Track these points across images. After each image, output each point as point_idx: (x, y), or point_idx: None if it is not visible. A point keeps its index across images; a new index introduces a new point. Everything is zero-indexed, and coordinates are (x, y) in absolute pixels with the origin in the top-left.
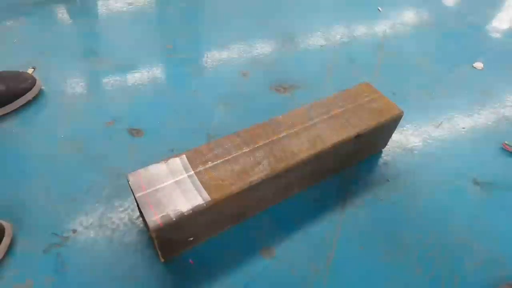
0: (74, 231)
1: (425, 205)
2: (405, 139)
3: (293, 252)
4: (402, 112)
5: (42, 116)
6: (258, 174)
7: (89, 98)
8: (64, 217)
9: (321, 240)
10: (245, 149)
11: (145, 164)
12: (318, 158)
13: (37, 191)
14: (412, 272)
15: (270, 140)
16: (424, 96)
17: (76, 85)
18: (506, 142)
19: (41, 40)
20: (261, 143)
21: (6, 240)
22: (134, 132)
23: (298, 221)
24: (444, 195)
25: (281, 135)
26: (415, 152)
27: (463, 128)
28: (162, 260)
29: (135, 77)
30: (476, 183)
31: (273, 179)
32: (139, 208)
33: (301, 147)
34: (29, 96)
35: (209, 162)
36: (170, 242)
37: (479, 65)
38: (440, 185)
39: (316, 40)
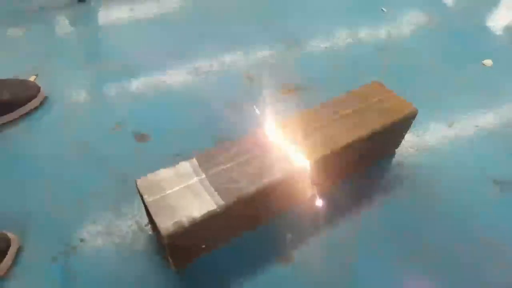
0: (82, 239)
1: (444, 206)
2: (418, 139)
3: (311, 258)
4: (417, 110)
5: (47, 123)
6: (272, 176)
7: (93, 104)
8: (71, 225)
9: (340, 245)
10: (257, 152)
11: (151, 168)
12: (333, 158)
13: (43, 200)
14: (436, 276)
15: (282, 142)
16: (433, 95)
17: (80, 91)
18: None
19: (41, 47)
20: (273, 145)
21: (12, 250)
22: (140, 136)
23: (314, 225)
24: (463, 195)
25: (293, 137)
26: (429, 152)
27: (476, 126)
28: (174, 268)
29: (139, 82)
30: (495, 182)
31: (287, 182)
32: (148, 214)
33: (315, 148)
34: (34, 103)
35: (220, 165)
36: (182, 249)
37: (488, 62)
38: (458, 185)
39: (320, 42)
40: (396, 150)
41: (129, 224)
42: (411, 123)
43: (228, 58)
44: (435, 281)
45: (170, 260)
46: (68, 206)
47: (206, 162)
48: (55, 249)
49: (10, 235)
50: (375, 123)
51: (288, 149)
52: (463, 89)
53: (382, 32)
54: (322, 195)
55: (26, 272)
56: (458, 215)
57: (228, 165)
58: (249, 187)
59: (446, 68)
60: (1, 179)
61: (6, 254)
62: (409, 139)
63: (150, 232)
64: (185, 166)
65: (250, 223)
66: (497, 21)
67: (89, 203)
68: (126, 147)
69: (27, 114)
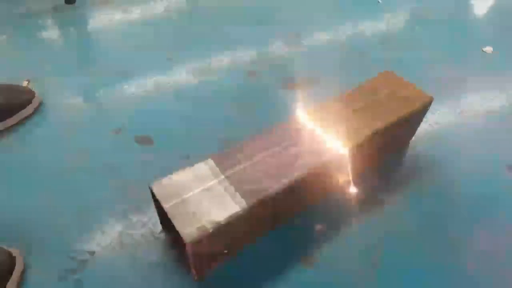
0: (92, 252)
1: (465, 196)
2: (430, 129)
3: (335, 258)
4: (432, 97)
5: (44, 130)
6: (295, 173)
7: (92, 109)
8: (79, 238)
9: (364, 243)
10: (276, 148)
11: (159, 173)
12: (356, 151)
13: (47, 211)
14: (464, 270)
15: (301, 137)
16: (438, 83)
17: (76, 96)
18: None
19: (31, 52)
20: (292, 141)
21: (18, 270)
22: (143, 140)
23: (336, 224)
24: (482, 184)
25: (312, 131)
26: (442, 141)
27: (485, 113)
28: (196, 278)
29: (136, 84)
30: (510, 168)
31: (311, 178)
32: (163, 221)
33: (337, 142)
34: (29, 109)
35: (238, 165)
36: (205, 256)
37: (489, 49)
38: (475, 173)
39: (321, 36)
40: (410, 141)
41: (142, 233)
42: (427, 111)
43: (228, 56)
44: (467, 277)
45: (192, 269)
46: (74, 218)
47: (222, 162)
48: (62, 265)
49: (14, 251)
50: (396, 112)
51: (310, 144)
52: (467, 76)
53: (381, 24)
54: (342, 191)
55: None
56: (480, 205)
57: (246, 164)
58: (271, 187)
59: (448, 56)
60: (0, 192)
61: (12, 274)
62: (421, 130)
63: (166, 241)
64: (201, 167)
65: (272, 223)
66: (495, 6)
67: (96, 213)
68: (130, 152)
69: (22, 121)
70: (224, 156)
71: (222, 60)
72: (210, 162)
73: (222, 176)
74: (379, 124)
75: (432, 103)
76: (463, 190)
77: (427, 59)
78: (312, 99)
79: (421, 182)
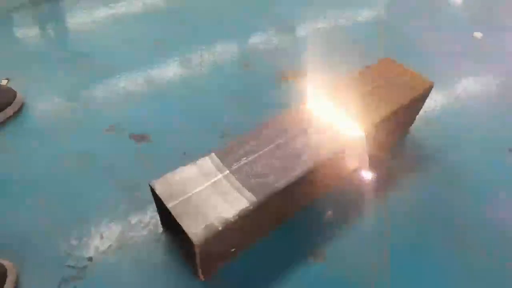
0: (90, 258)
1: (469, 181)
2: (430, 114)
3: (344, 251)
4: (432, 83)
5: (30, 131)
6: (302, 165)
7: (81, 107)
8: (76, 244)
9: (372, 233)
10: (281, 140)
11: (158, 171)
12: (363, 140)
13: (40, 219)
14: (476, 255)
15: (303, 128)
16: (432, 69)
17: (62, 94)
18: None
19: (11, 49)
20: (297, 131)
21: (10, 281)
22: (139, 137)
23: (342, 215)
24: (485, 168)
25: (316, 120)
26: (441, 127)
27: (481, 96)
28: (202, 278)
29: (127, 80)
30: (510, 150)
31: (320, 169)
32: (162, 221)
33: (344, 131)
34: (10, 111)
35: (243, 159)
36: (213, 255)
37: (478, 34)
38: (477, 158)
39: (313, 24)
40: (409, 128)
41: (142, 235)
42: (427, 96)
43: (221, 47)
44: (479, 262)
45: (199, 269)
46: (70, 224)
47: (227, 157)
48: (60, 273)
49: (5, 263)
50: (399, 98)
51: (314, 134)
52: (460, 61)
53: (371, 11)
54: (349, 181)
55: None
56: (485, 189)
57: (252, 158)
58: (280, 180)
59: (440, 41)
60: None
61: (3, 286)
62: (420, 116)
63: (168, 241)
64: (205, 162)
65: (280, 217)
66: None
67: (93, 217)
68: (126, 151)
69: (3, 124)
70: (228, 150)
71: (215, 52)
72: (214, 157)
73: (227, 171)
74: (386, 111)
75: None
76: (467, 177)
77: (419, 44)
78: (309, 89)
79: (424, 171)
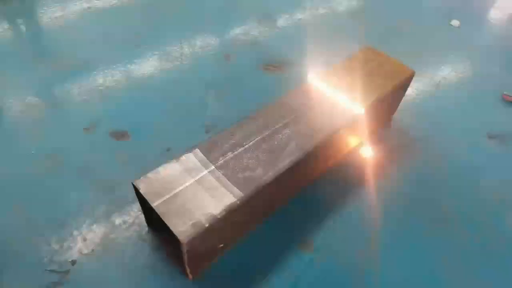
0: (73, 262)
1: (450, 167)
2: (411, 103)
3: (332, 240)
4: (414, 71)
5: (4, 134)
6: (289, 157)
7: (58, 105)
8: (57, 248)
9: (359, 221)
10: (266, 133)
11: (140, 170)
12: (347, 128)
13: (17, 224)
14: (459, 238)
15: (289, 119)
16: (413, 58)
17: (37, 93)
18: (505, 92)
19: None
20: (281, 124)
21: None
22: (119, 135)
23: (328, 205)
24: (465, 153)
25: (299, 113)
26: (423, 115)
27: (461, 84)
28: (190, 277)
29: (104, 76)
30: (490, 137)
31: (305, 159)
32: (148, 220)
33: (325, 121)
34: None
35: (229, 153)
36: (201, 253)
37: (455, 22)
38: (458, 144)
39: (293, 15)
40: (392, 116)
41: (127, 236)
42: (408, 85)
43: (200, 39)
44: (463, 244)
45: (187, 268)
46: (49, 227)
47: (212, 152)
48: (43, 280)
49: None
50: (383, 87)
51: (299, 125)
52: (439, 50)
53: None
54: (331, 173)
55: None
56: (467, 175)
57: (237, 152)
58: (267, 173)
59: (419, 30)
60: None
61: None
62: (402, 104)
63: (154, 241)
64: (189, 158)
65: (268, 210)
66: None
67: (74, 219)
68: (106, 149)
69: None
70: (213, 144)
71: (195, 44)
72: (198, 152)
73: (213, 166)
74: (368, 101)
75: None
76: (449, 161)
77: (399, 33)
78: (291, 81)
79: (407, 158)
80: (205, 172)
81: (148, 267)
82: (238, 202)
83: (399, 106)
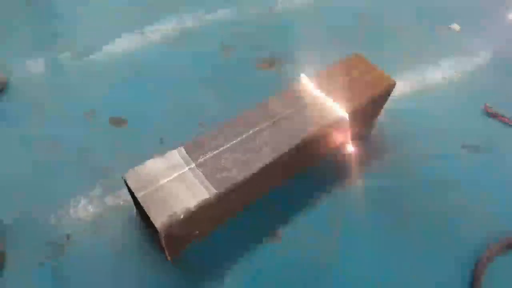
0: (68, 236)
1: (418, 173)
2: (394, 108)
3: (300, 233)
4: (395, 82)
5: (8, 114)
6: (263, 159)
7: (62, 88)
8: (55, 225)
9: (327, 218)
10: (245, 135)
11: (133, 157)
12: (320, 136)
13: (20, 202)
14: (417, 241)
15: (268, 123)
16: (404, 61)
17: (41, 76)
18: (487, 104)
19: None
20: (259, 128)
21: None
22: (117, 122)
23: (301, 201)
24: (437, 161)
25: (277, 117)
26: (404, 119)
27: (447, 91)
28: (169, 258)
29: (105, 60)
30: (464, 146)
31: (277, 162)
32: (136, 206)
33: (301, 127)
34: None
35: (209, 153)
36: (178, 239)
37: (456, 27)
38: (431, 151)
39: (292, 7)
40: (374, 122)
41: (117, 216)
42: (390, 94)
43: (199, 29)
44: (419, 247)
45: (166, 251)
46: (49, 205)
47: (195, 151)
48: (41, 252)
49: None
50: (363, 95)
51: (276, 130)
52: (434, 55)
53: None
54: (308, 172)
55: (13, 280)
56: (435, 182)
57: (217, 152)
58: (241, 173)
59: (418, 33)
60: None
61: None
62: (385, 108)
63: (141, 223)
64: (174, 155)
65: (242, 205)
66: None
67: (71, 199)
68: (104, 135)
69: None
70: (196, 144)
71: (194, 31)
72: (182, 150)
73: (193, 165)
74: (348, 108)
75: (398, 83)
76: (421, 168)
77: (398, 36)
78: (287, 78)
79: (382, 163)
80: (186, 169)
81: (134, 246)
82: (212, 198)
83: (382, 110)
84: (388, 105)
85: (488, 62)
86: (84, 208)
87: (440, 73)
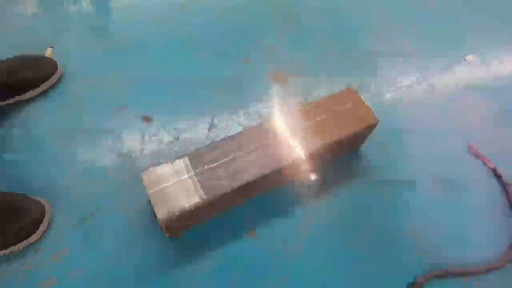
0: (98, 208)
1: (388, 205)
2: (384, 132)
3: (272, 233)
4: (377, 121)
5: (62, 100)
6: (249, 176)
7: (103, 82)
8: (90, 197)
9: (297, 225)
10: (239, 153)
11: (154, 152)
12: (300, 163)
13: (64, 174)
14: (367, 259)
15: (258, 144)
16: (394, 84)
17: (92, 68)
18: (472, 143)
19: (50, 21)
20: (251, 148)
21: (47, 216)
22: (146, 119)
23: (279, 209)
24: (412, 194)
25: (267, 141)
26: (388, 147)
27: (438, 124)
28: (168, 235)
29: (144, 58)
30: (436, 181)
31: (261, 179)
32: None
33: (283, 153)
34: (52, 80)
35: (208, 164)
36: (175, 227)
37: (470, 57)
38: (402, 183)
39: (315, 21)
40: (357, 149)
41: (136, 200)
42: (370, 132)
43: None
44: (368, 264)
45: (166, 233)
46: (86, 182)
47: (195, 161)
48: (77, 215)
49: (43, 202)
50: (344, 130)
51: (265, 152)
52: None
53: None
54: (288, 186)
55: (57, 233)
56: (399, 212)
57: (213, 165)
58: (229, 184)
59: (431, 59)
60: (29, 153)
61: (42, 221)
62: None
63: (151, 210)
64: (179, 163)
65: (229, 207)
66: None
67: (103, 181)
68: (134, 129)
69: (43, 93)
70: (198, 155)
71: (218, 38)
72: (186, 159)
73: (192, 172)
74: (323, 141)
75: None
76: (395, 193)
77: (412, 59)
78: (294, 94)
79: (354, 188)
80: (186, 176)
81: (144, 226)
82: (202, 202)
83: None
84: (379, 130)
85: (493, 100)
86: (113, 187)
87: (439, 106)
